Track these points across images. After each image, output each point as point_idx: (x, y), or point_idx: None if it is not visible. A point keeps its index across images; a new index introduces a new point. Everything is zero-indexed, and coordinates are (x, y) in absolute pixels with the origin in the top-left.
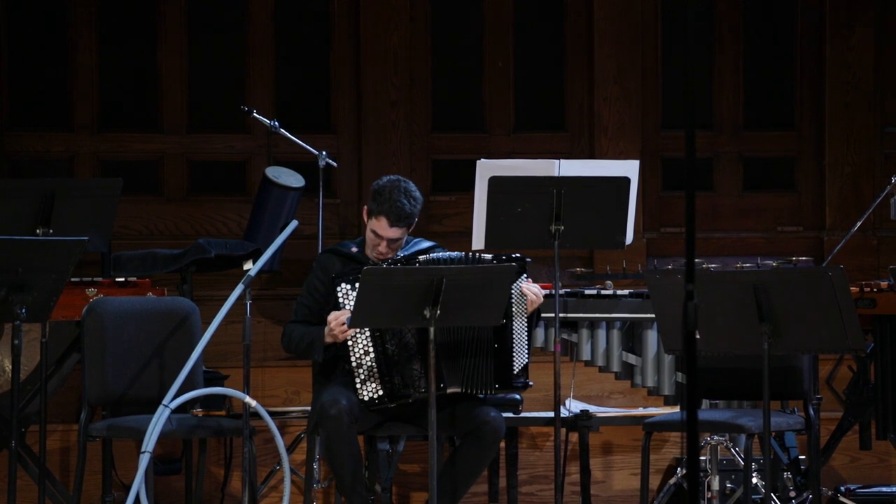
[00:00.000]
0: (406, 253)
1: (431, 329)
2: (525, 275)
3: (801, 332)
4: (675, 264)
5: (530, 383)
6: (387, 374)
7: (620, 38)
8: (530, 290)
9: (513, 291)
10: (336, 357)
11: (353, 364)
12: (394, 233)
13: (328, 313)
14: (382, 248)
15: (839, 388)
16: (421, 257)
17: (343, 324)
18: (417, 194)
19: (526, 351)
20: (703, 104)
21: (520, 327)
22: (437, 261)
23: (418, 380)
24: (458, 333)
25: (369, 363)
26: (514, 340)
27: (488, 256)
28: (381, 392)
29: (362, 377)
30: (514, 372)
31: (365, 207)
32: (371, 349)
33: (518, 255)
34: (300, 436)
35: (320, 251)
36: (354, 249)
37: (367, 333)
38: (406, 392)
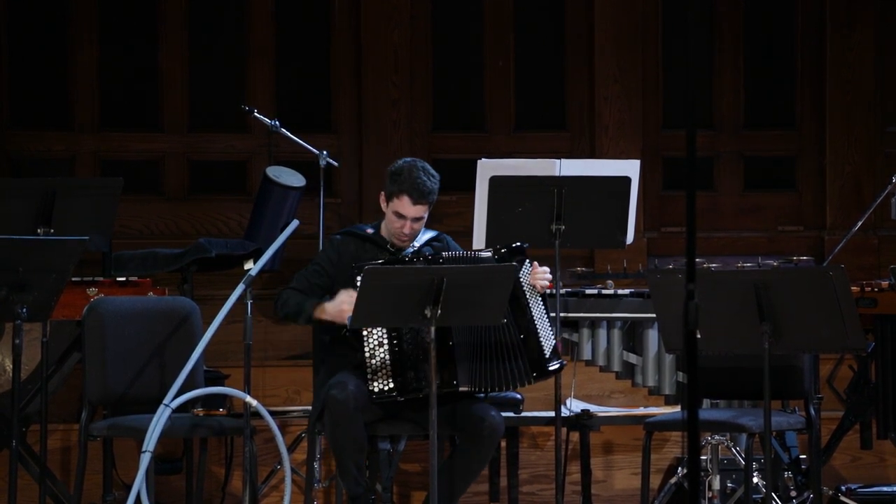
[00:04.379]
0: (419, 243)
1: (432, 328)
2: (528, 262)
3: (801, 331)
4: (675, 264)
5: (564, 362)
6: (399, 368)
7: (620, 37)
8: (542, 277)
9: (522, 280)
10: (340, 354)
11: (367, 354)
12: (417, 210)
13: (330, 294)
14: (406, 228)
15: (840, 388)
16: (424, 249)
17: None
18: (435, 172)
19: (551, 331)
20: (704, 103)
21: (538, 311)
22: (437, 258)
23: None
24: (483, 335)
25: (382, 355)
26: (537, 326)
27: (486, 253)
28: (391, 384)
29: (374, 367)
30: (546, 356)
31: (382, 193)
32: (385, 342)
33: (517, 244)
34: (301, 435)
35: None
36: (370, 231)
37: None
38: (418, 387)
